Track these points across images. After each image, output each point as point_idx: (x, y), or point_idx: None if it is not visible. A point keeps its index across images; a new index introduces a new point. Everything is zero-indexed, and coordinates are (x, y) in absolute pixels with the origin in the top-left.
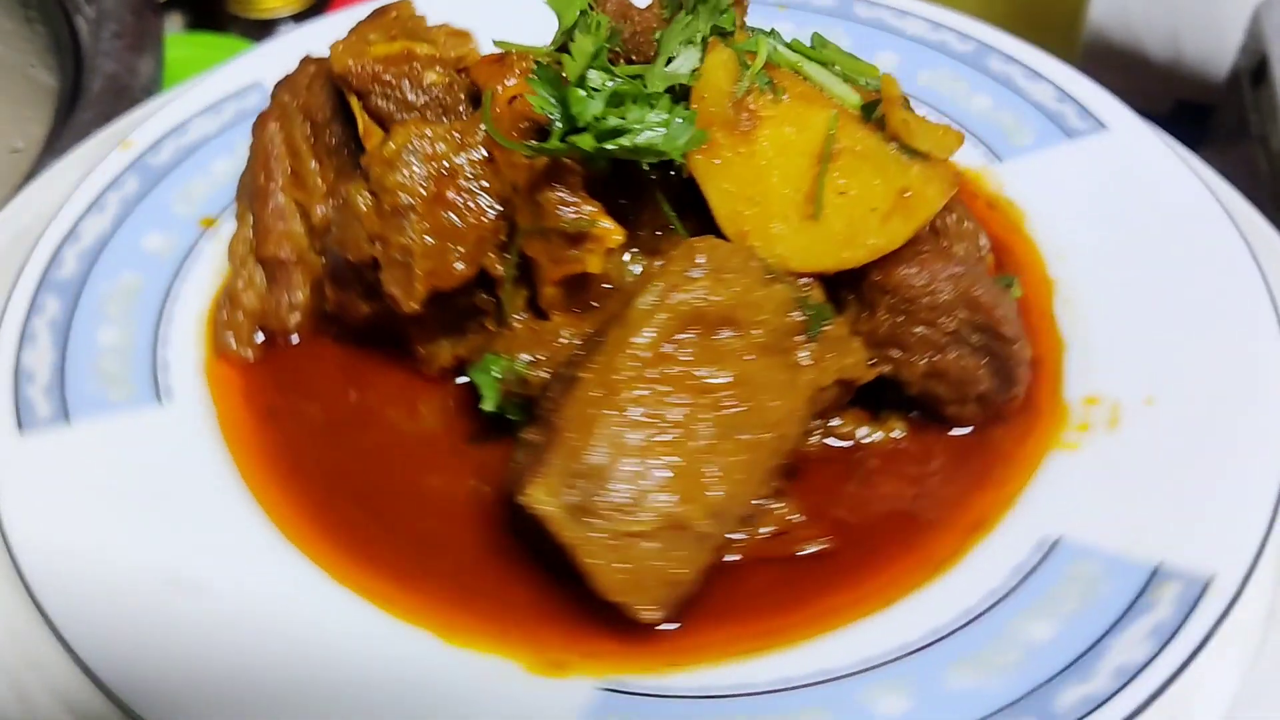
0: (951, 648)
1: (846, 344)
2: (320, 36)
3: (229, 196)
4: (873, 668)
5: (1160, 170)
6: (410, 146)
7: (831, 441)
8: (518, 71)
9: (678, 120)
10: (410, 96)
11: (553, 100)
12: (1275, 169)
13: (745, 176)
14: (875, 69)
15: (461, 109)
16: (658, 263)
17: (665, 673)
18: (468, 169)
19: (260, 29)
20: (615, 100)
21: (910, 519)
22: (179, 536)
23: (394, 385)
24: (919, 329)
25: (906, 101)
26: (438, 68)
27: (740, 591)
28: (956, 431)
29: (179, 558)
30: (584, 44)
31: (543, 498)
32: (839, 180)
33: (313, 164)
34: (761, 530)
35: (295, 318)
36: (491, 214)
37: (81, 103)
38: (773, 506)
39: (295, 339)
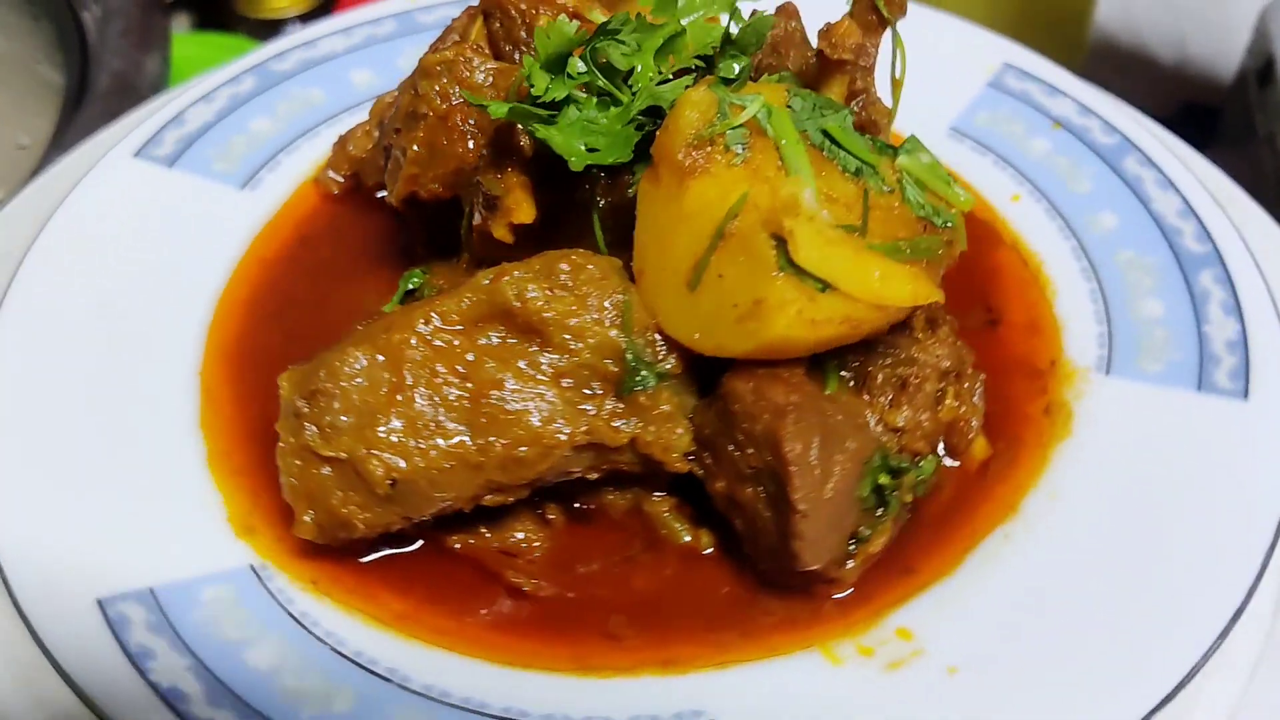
0: None
1: (663, 422)
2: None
3: None
4: (435, 699)
5: (1247, 475)
6: (448, 64)
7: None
8: None
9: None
10: (519, 32)
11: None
12: None
13: (664, 220)
14: (967, 204)
15: None
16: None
17: (303, 588)
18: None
19: (267, 29)
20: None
21: (626, 618)
22: (140, 297)
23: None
24: (731, 447)
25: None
26: (555, 15)
27: (436, 575)
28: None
29: (128, 316)
30: (563, 29)
31: (286, 385)
32: (721, 263)
33: None
34: (495, 541)
35: (377, 177)
36: (472, 150)
37: (87, 100)
38: (523, 528)
39: (381, 195)
